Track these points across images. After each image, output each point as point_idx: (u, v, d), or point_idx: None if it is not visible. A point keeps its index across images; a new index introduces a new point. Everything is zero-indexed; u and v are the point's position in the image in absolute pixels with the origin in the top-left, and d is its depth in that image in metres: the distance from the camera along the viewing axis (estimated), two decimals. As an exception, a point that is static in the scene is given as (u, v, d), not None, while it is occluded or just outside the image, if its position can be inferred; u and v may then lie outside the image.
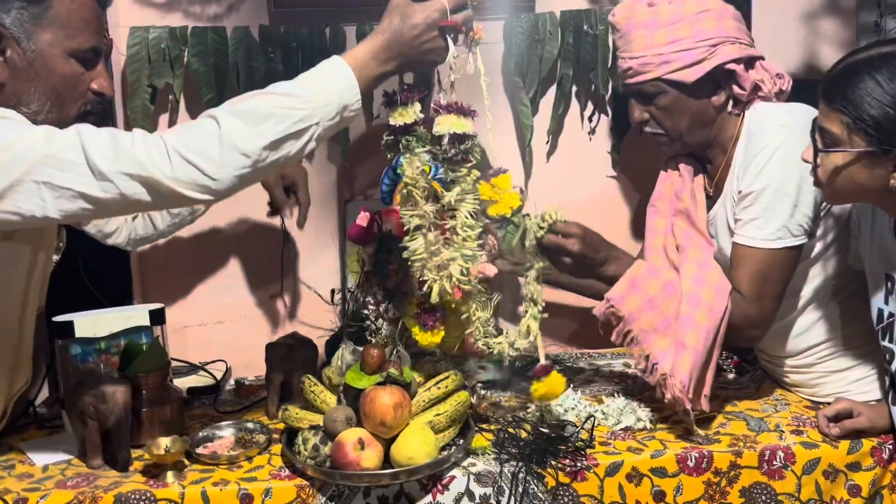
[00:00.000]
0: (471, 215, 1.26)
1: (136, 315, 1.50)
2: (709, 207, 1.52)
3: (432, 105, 1.27)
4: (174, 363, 1.67)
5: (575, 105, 1.87)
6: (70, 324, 1.45)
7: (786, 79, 1.47)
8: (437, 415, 1.30)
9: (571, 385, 1.62)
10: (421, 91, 1.27)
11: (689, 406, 1.33)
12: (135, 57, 1.68)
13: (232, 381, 1.71)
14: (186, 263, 1.85)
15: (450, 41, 1.20)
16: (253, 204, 1.76)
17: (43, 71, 1.17)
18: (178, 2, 1.75)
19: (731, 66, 1.42)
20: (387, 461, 1.25)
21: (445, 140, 1.24)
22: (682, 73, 1.40)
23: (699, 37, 1.40)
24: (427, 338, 1.30)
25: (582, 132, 1.89)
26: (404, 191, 1.25)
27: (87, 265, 1.69)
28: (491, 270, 1.71)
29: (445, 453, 1.28)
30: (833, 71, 1.18)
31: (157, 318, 1.52)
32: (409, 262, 1.26)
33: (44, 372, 1.57)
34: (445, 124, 1.24)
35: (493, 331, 1.34)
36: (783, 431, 1.38)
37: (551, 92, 1.85)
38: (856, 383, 1.46)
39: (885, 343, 1.22)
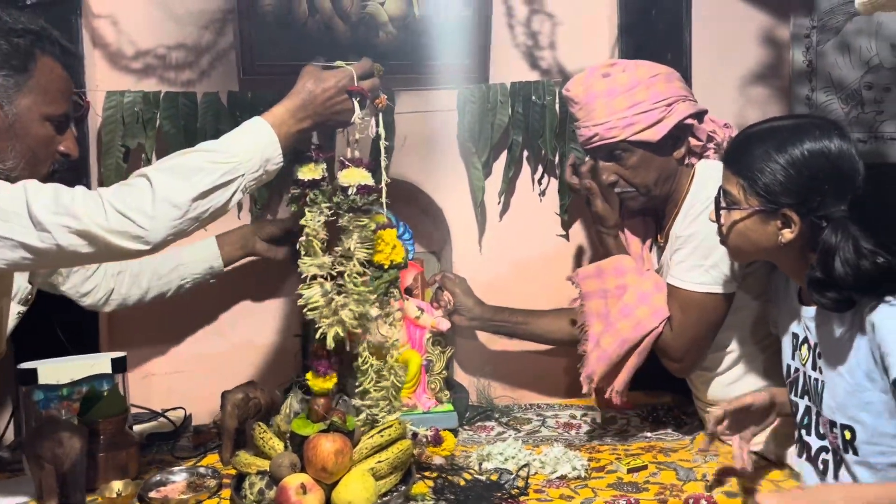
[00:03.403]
0: (363, 263, 1.37)
1: (98, 363, 1.57)
2: (659, 257, 1.65)
3: (338, 159, 1.41)
4: (136, 410, 1.74)
5: (527, 168, 1.99)
6: (34, 371, 1.51)
7: (732, 129, 1.61)
8: (379, 462, 1.37)
9: (514, 435, 1.71)
10: (328, 151, 1.41)
11: (585, 389, 1.59)
12: (110, 119, 1.79)
13: (192, 428, 1.77)
14: (152, 313, 1.91)
15: (356, 104, 1.35)
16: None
17: (20, 132, 1.28)
18: (154, 68, 1.86)
19: (689, 120, 1.55)
20: (329, 506, 1.32)
21: (352, 191, 1.35)
22: (646, 132, 1.53)
23: (656, 98, 1.53)
24: (319, 384, 1.37)
25: (533, 194, 2.00)
26: (304, 241, 1.37)
27: (57, 314, 1.76)
28: (444, 325, 1.82)
29: (386, 499, 1.35)
30: (734, 140, 1.31)
31: (119, 366, 1.59)
32: (305, 311, 1.36)
33: (9, 416, 1.63)
34: (353, 177, 1.36)
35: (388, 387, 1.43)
36: (708, 481, 1.46)
37: (504, 156, 1.97)
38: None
39: (792, 397, 1.31)
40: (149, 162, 1.84)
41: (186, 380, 1.92)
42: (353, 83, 1.36)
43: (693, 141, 1.58)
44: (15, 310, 1.52)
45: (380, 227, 1.41)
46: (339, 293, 1.36)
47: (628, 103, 1.53)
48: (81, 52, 1.78)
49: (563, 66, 1.95)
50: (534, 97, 1.90)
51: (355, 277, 1.37)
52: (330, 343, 1.35)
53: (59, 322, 1.76)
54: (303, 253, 1.37)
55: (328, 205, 1.36)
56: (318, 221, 1.35)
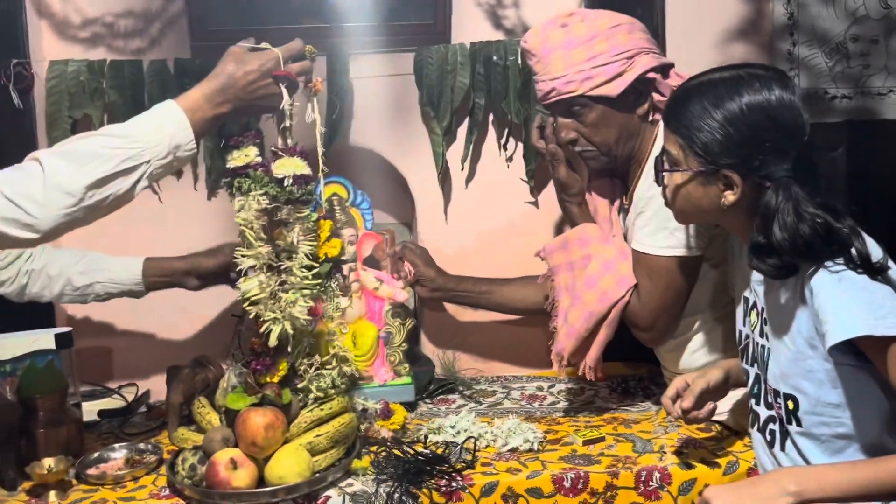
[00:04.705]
0: (309, 256, 1.30)
1: (41, 338, 1.54)
2: (625, 220, 1.57)
3: (271, 148, 1.33)
4: (88, 386, 1.71)
5: (492, 133, 1.92)
6: (-26, 347, 1.49)
7: None
8: (318, 436, 1.32)
9: (471, 407, 1.66)
10: (256, 135, 1.32)
11: (556, 368, 1.55)
12: (54, 89, 1.74)
13: (146, 405, 1.74)
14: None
15: (283, 89, 1.26)
16: (186, 231, 1.81)
17: None
18: (102, 37, 1.81)
19: (651, 74, 1.46)
20: (263, 482, 1.28)
21: (288, 181, 1.28)
22: (605, 87, 1.44)
23: (616, 50, 1.44)
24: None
25: (499, 159, 1.93)
26: (239, 231, 1.29)
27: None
28: (401, 296, 1.76)
29: (323, 473, 1.30)
30: (672, 95, 1.22)
31: (64, 341, 1.55)
32: (244, 304, 1.29)
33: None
34: (287, 166, 1.29)
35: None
36: (665, 453, 1.39)
37: (467, 121, 1.89)
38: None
39: (743, 364, 1.24)
40: (98, 133, 1.81)
41: (145, 355, 1.88)
42: (279, 67, 1.27)
43: (657, 97, 1.49)
44: None
45: (318, 219, 1.36)
46: (284, 290, 1.29)
47: (586, 55, 1.44)
48: (25, 23, 1.73)
49: (529, 25, 1.86)
50: (495, 57, 1.81)
51: (303, 271, 1.30)
52: (273, 341, 1.29)
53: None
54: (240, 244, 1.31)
55: (260, 193, 1.28)
56: (250, 210, 1.28)
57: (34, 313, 1.74)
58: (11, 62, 1.70)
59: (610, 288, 1.48)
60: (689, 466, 1.35)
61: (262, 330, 1.31)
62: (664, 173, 1.21)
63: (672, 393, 1.28)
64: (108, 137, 1.18)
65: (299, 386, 1.34)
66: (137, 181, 1.18)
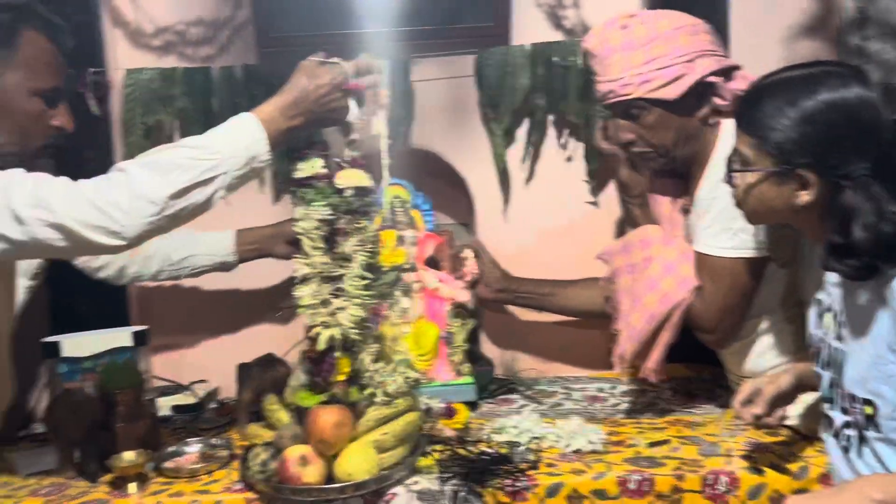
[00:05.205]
0: (363, 266, 1.33)
1: (120, 336, 1.60)
2: (686, 220, 1.56)
3: (335, 160, 1.36)
4: (162, 382, 1.78)
5: (553, 133, 1.91)
6: (56, 344, 1.56)
7: None
8: (384, 434, 1.35)
9: (533, 408, 1.66)
10: (323, 147, 1.35)
11: (618, 370, 1.54)
12: (129, 97, 1.81)
13: (217, 401, 1.80)
14: (182, 288, 1.94)
15: (351, 102, 1.30)
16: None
17: (8, 108, 1.30)
18: (174, 44, 1.87)
19: (711, 78, 1.44)
20: (332, 479, 1.31)
21: (349, 192, 1.31)
22: (663, 90, 1.44)
23: (676, 53, 1.43)
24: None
25: (559, 160, 1.92)
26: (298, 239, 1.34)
27: (88, 289, 1.81)
28: (462, 296, 1.77)
29: (390, 471, 1.32)
30: (745, 94, 1.20)
31: (140, 339, 1.62)
32: (299, 310, 1.32)
33: (40, 389, 1.69)
34: (350, 178, 1.32)
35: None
36: (732, 456, 1.38)
37: (527, 122, 1.89)
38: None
39: (816, 368, 1.21)
40: (170, 139, 1.87)
41: (215, 353, 1.94)
42: (348, 80, 1.31)
43: (718, 100, 1.47)
44: (23, 284, 1.56)
45: (379, 229, 1.39)
46: (336, 296, 1.32)
47: (645, 58, 1.44)
48: (102, 32, 1.80)
49: (589, 25, 1.86)
50: (555, 58, 1.81)
51: (355, 280, 1.33)
52: (321, 345, 1.32)
53: (90, 297, 1.80)
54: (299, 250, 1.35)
55: (322, 204, 1.32)
56: (310, 220, 1.31)
57: (110, 312, 1.82)
58: (89, 71, 1.77)
59: (671, 289, 1.47)
60: (758, 471, 1.33)
61: (310, 335, 1.35)
62: (735, 173, 1.20)
63: (743, 397, 1.27)
64: (188, 149, 1.23)
65: (364, 389, 1.37)
66: (215, 191, 1.22)
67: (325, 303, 1.31)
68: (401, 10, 1.85)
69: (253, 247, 1.74)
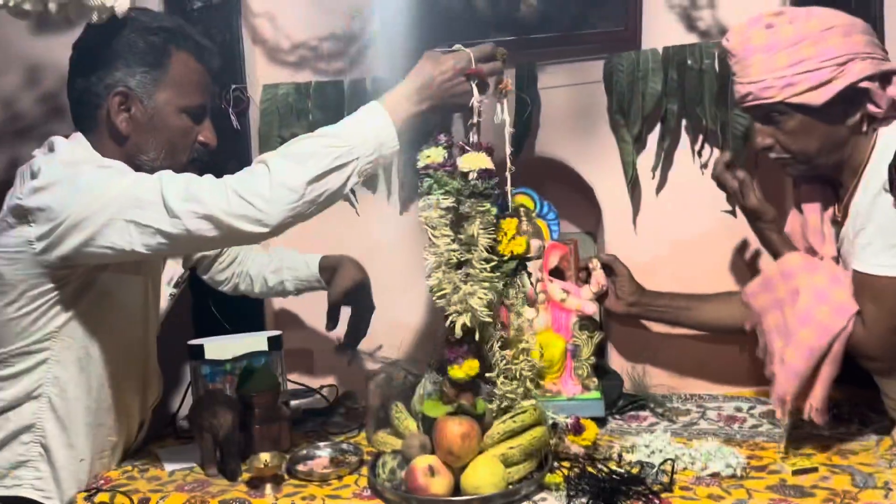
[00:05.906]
0: (488, 249, 1.32)
1: (256, 340, 1.68)
2: (838, 234, 1.45)
3: (458, 143, 1.37)
4: (294, 386, 1.84)
5: (685, 139, 1.84)
6: (201, 347, 1.65)
7: None
8: (511, 448, 1.33)
9: (665, 427, 1.59)
10: (447, 138, 1.37)
11: (779, 414, 1.39)
12: (266, 111, 1.89)
13: (345, 405, 1.84)
14: (313, 296, 2.00)
15: (474, 87, 1.32)
16: (377, 242, 1.90)
17: (160, 125, 1.40)
18: (308, 60, 1.94)
19: (864, 84, 1.34)
20: (458, 490, 1.30)
21: (473, 175, 1.31)
22: (808, 95, 1.35)
23: (825, 56, 1.34)
24: (455, 372, 1.34)
25: (693, 167, 1.84)
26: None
27: (225, 297, 1.90)
28: (589, 308, 1.73)
29: (517, 486, 1.31)
30: None
31: (275, 343, 1.69)
32: (434, 299, 1.33)
33: (185, 389, 1.80)
34: (473, 161, 1.32)
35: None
36: (891, 490, 1.26)
37: (658, 128, 1.83)
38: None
39: None
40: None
41: (344, 359, 1.98)
42: (471, 66, 1.34)
43: (871, 107, 1.36)
44: (167, 292, 1.67)
45: (500, 216, 1.37)
46: (465, 281, 1.32)
47: (789, 60, 1.35)
48: (242, 50, 1.90)
49: (725, 27, 1.77)
50: (689, 61, 1.74)
51: (482, 263, 1.33)
52: (458, 332, 1.32)
53: (228, 304, 1.90)
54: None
55: (442, 193, 1.33)
56: (433, 209, 1.33)
57: (246, 317, 1.91)
58: (230, 87, 1.86)
59: (827, 319, 1.34)
60: (921, 507, 1.21)
61: (447, 324, 1.35)
62: None
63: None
64: (322, 138, 1.29)
65: (487, 375, 1.38)
66: (349, 176, 1.28)
67: (455, 289, 1.32)
68: (528, 17, 1.83)
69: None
